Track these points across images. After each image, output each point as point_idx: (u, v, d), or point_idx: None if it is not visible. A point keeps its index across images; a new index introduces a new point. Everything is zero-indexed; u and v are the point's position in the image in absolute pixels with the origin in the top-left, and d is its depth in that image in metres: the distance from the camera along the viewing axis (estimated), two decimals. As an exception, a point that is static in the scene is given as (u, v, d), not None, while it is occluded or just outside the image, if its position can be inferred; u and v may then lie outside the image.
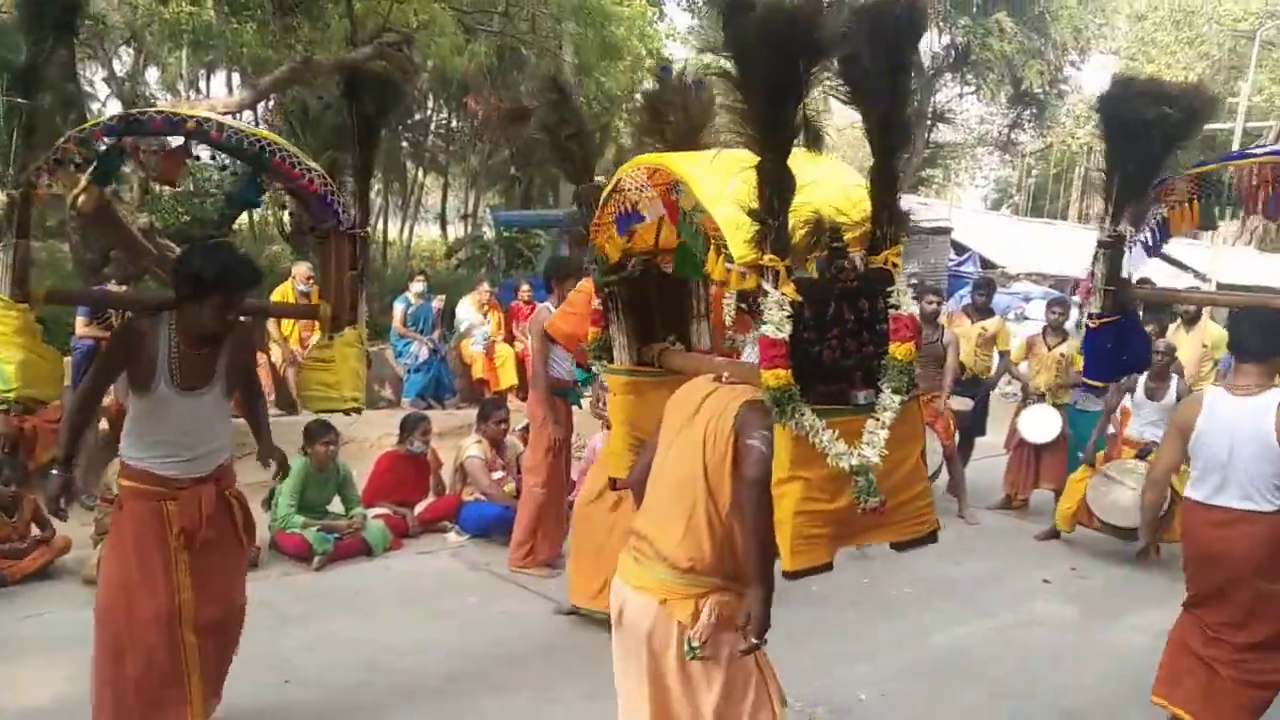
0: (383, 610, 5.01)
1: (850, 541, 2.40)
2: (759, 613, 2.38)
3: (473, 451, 6.48)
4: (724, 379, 2.62)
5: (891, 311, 2.32)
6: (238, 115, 12.13)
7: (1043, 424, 7.35)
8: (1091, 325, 3.65)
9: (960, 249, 20.05)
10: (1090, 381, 5.64)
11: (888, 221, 2.33)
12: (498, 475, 6.53)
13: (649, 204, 2.86)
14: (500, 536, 6.05)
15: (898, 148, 2.34)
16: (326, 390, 3.79)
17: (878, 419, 2.29)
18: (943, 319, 7.98)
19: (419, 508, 6.46)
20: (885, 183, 2.34)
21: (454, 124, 22.31)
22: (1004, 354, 8.24)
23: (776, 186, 2.22)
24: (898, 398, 2.30)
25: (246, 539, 3.45)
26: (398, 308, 9.76)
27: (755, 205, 2.24)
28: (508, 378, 9.59)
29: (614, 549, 3.78)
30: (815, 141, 2.31)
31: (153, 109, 3.43)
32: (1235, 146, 25.46)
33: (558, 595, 5.10)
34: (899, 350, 2.30)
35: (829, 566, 2.35)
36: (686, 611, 2.46)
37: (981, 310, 8.30)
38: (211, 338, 3.13)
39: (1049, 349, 7.49)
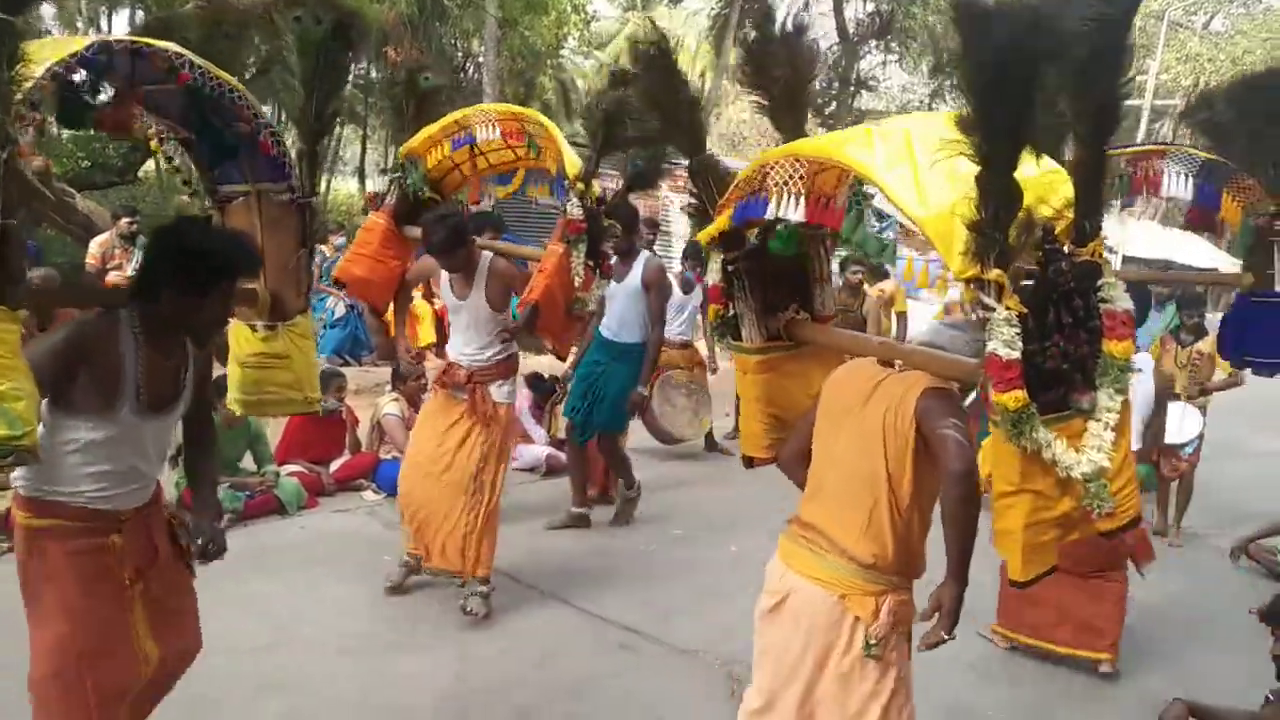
0: (295, 569, 4.90)
1: (1067, 537, 2.33)
2: (953, 607, 2.29)
3: (390, 409, 6.37)
4: (897, 367, 2.50)
5: (1104, 307, 2.19)
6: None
7: None
8: None
9: (881, 216, 20.34)
10: None
11: (1093, 211, 2.18)
12: (415, 433, 6.43)
13: (788, 199, 2.63)
14: (417, 495, 5.97)
15: (1110, 133, 2.18)
16: (287, 392, 3.24)
17: (1100, 420, 2.17)
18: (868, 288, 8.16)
19: (334, 466, 6.34)
20: (1093, 171, 2.18)
21: (373, 74, 21.68)
22: (901, 315, 8.48)
23: (1004, 199, 2.03)
24: (1120, 398, 2.18)
25: (192, 570, 2.85)
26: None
27: (977, 217, 2.05)
28: (426, 335, 9.42)
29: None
30: (1035, 144, 2.09)
31: (126, 38, 2.78)
32: (1143, 121, 26.33)
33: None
34: (1116, 348, 2.17)
35: (1056, 568, 2.33)
36: (867, 609, 2.40)
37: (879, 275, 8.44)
38: (203, 340, 2.61)
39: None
